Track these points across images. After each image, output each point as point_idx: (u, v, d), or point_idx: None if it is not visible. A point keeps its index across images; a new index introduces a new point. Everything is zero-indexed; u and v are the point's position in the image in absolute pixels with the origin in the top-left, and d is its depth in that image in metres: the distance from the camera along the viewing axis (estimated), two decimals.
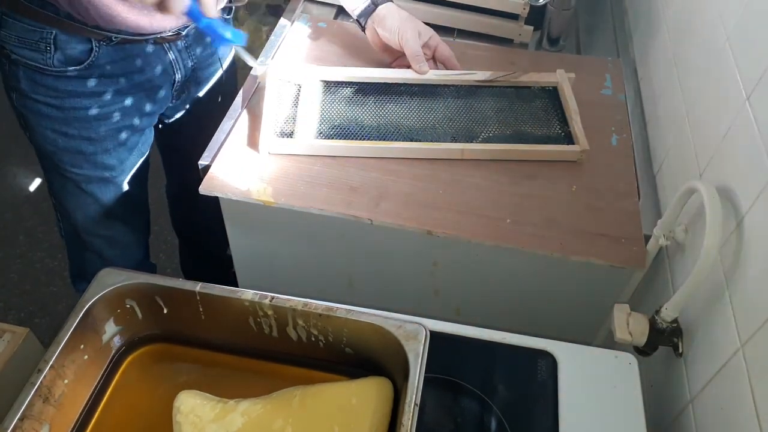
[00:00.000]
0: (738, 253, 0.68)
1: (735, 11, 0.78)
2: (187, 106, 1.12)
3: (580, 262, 0.85)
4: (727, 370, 0.66)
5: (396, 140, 0.95)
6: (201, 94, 1.11)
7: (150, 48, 0.95)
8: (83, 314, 0.68)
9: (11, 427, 0.60)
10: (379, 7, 1.02)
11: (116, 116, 0.98)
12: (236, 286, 0.93)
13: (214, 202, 0.93)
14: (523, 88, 1.06)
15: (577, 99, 1.01)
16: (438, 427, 0.73)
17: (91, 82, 0.93)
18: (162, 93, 1.03)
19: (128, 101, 0.98)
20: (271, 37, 1.17)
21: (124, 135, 1.02)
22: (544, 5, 1.18)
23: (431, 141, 0.96)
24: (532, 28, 1.20)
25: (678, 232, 0.81)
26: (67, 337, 0.66)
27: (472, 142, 0.96)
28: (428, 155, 0.95)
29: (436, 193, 0.91)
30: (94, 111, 0.96)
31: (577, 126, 0.97)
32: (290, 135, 0.96)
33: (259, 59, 1.12)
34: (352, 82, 1.04)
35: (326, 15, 1.24)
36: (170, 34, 0.95)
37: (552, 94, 1.05)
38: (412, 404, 0.62)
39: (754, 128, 0.68)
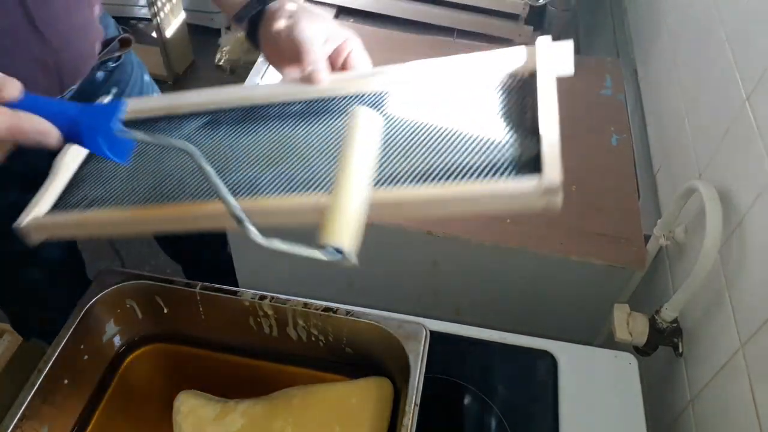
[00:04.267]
0: (738, 253, 0.68)
1: (735, 11, 0.78)
2: None
3: (580, 262, 0.85)
4: (727, 370, 0.66)
5: (238, 194, 0.54)
6: None
7: None
8: (83, 314, 0.68)
9: (11, 427, 0.60)
10: (270, 5, 0.70)
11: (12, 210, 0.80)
12: (236, 286, 0.93)
13: None
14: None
15: (577, 99, 1.01)
16: (438, 427, 0.73)
17: None
18: None
19: (8, 200, 0.78)
20: None
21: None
22: (544, 5, 1.18)
23: (279, 191, 0.54)
24: (531, 28, 1.20)
25: (678, 232, 0.81)
26: (66, 337, 0.66)
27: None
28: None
29: None
30: None
31: (548, 138, 0.50)
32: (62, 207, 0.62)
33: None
34: (187, 115, 0.66)
35: (326, 14, 1.24)
36: None
37: (517, 85, 0.59)
38: (413, 404, 0.62)
39: (754, 128, 0.68)
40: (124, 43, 0.89)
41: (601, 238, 0.86)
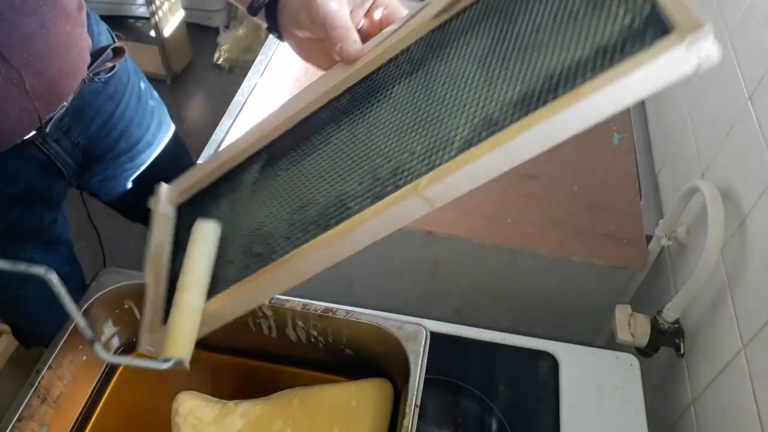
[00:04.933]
0: (740, 253, 0.67)
1: (737, 10, 0.78)
2: (113, 172, 0.93)
3: (581, 263, 0.85)
4: (729, 371, 0.66)
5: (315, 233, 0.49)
6: (122, 156, 0.92)
7: (12, 155, 0.76)
8: (81, 315, 0.68)
9: (9, 428, 0.60)
10: None
11: (6, 237, 0.82)
12: None
13: None
14: None
15: None
16: (438, 428, 0.72)
17: None
18: (54, 191, 0.85)
19: (13, 217, 0.81)
20: (270, 36, 1.16)
21: (27, 244, 0.85)
22: None
23: (367, 200, 0.46)
24: None
25: (680, 232, 0.81)
26: (65, 338, 0.66)
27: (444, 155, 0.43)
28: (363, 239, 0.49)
29: None
30: None
31: None
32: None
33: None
34: (243, 164, 0.59)
35: None
36: (32, 134, 0.76)
37: None
38: (413, 406, 0.62)
39: (756, 128, 0.67)
40: (118, 53, 0.85)
41: (602, 238, 0.86)
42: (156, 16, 2.04)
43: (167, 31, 2.12)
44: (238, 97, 1.04)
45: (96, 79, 0.83)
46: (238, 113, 1.01)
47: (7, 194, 0.80)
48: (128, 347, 0.74)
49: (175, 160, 1.04)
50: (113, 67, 0.85)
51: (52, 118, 0.77)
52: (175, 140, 1.02)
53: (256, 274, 0.50)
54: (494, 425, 0.72)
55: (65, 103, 0.78)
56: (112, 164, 0.93)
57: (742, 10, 0.76)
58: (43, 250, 0.90)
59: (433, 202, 0.44)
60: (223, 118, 1.01)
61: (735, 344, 0.65)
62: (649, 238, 0.86)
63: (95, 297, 0.69)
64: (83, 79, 0.79)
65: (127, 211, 1.09)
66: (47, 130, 0.77)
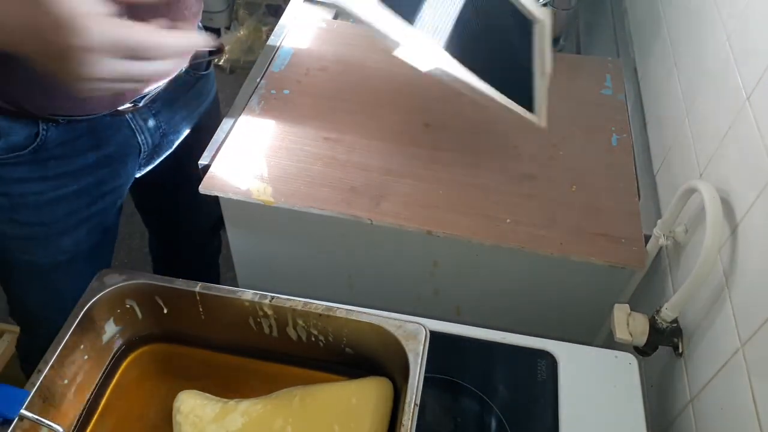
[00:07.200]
0: (738, 252, 0.68)
1: (735, 10, 0.78)
2: (160, 168, 1.00)
3: (580, 262, 0.85)
4: (727, 369, 0.66)
5: None
6: (176, 153, 1.00)
7: (107, 122, 0.83)
8: (83, 314, 0.68)
9: (11, 427, 0.60)
10: None
11: (72, 198, 0.87)
12: (233, 284, 0.92)
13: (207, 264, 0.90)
14: None
15: (577, 99, 1.01)
16: (438, 427, 0.73)
17: (41, 167, 0.82)
18: (127, 166, 0.91)
19: (85, 182, 0.87)
20: (271, 37, 1.17)
21: (81, 215, 0.90)
22: (544, 5, 1.18)
23: None
24: None
25: (678, 232, 0.81)
26: (66, 338, 0.66)
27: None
28: None
29: (436, 193, 0.91)
30: (46, 196, 0.84)
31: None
32: None
33: (258, 59, 1.12)
34: None
35: (326, 15, 1.24)
36: (128, 105, 0.84)
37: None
38: (412, 404, 0.62)
39: (754, 128, 0.68)
40: (215, 51, 0.89)
41: (601, 238, 0.86)
42: None
43: None
44: (240, 99, 1.05)
45: (191, 73, 0.88)
46: (240, 114, 1.02)
47: (100, 155, 0.86)
48: (130, 347, 0.75)
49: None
50: (209, 65, 0.91)
51: (146, 95, 0.83)
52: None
53: None
54: (493, 424, 0.73)
55: (161, 84, 0.84)
56: (175, 159, 0.98)
57: (740, 9, 0.77)
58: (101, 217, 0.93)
59: None
60: (225, 119, 1.01)
61: (733, 343, 0.65)
62: (647, 238, 0.87)
63: (97, 297, 0.69)
64: (181, 70, 0.85)
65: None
66: (141, 104, 0.83)
